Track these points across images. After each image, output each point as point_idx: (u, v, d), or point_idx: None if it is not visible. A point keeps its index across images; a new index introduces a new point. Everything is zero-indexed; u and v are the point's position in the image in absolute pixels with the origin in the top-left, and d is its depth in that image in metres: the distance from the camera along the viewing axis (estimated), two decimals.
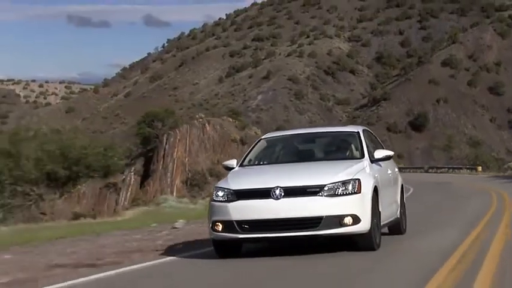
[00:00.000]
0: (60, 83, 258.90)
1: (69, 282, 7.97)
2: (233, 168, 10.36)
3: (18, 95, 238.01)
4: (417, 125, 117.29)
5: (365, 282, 7.13)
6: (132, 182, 28.75)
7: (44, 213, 18.19)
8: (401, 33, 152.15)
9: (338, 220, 8.99)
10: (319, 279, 7.45)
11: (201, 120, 33.80)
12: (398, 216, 11.40)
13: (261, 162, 10.65)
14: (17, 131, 21.06)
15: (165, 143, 31.84)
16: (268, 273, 8.08)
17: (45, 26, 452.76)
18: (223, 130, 34.75)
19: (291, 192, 9.07)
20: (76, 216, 19.46)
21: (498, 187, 28.20)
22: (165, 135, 32.40)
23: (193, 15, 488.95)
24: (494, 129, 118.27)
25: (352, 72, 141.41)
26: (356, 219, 9.03)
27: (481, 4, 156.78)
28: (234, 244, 9.58)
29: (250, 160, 10.66)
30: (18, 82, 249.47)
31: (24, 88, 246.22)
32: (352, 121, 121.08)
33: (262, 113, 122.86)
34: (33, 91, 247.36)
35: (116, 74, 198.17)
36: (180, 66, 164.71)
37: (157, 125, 36.52)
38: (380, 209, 9.79)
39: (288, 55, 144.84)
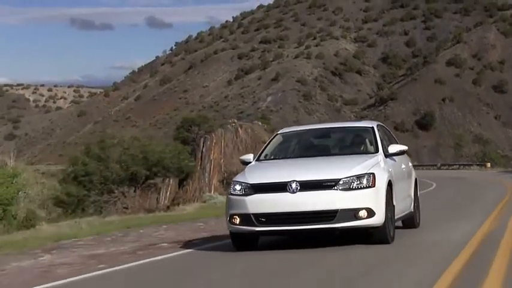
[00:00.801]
0: (68, 87, 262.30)
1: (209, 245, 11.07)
2: (250, 162, 10.64)
3: (28, 100, 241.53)
4: (424, 124, 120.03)
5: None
6: (171, 182, 31.63)
7: (126, 208, 21.26)
8: (406, 33, 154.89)
9: (353, 213, 9.25)
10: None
11: (234, 124, 36.60)
12: (412, 210, 11.63)
13: (277, 157, 10.91)
14: (104, 139, 24.24)
15: (202, 146, 34.70)
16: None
17: (47, 29, 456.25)
18: (254, 133, 37.46)
19: (307, 186, 9.34)
20: (149, 210, 22.48)
21: (508, 180, 31.36)
22: (202, 139, 35.26)
23: (196, 17, 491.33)
24: (499, 126, 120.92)
25: (359, 72, 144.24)
26: (371, 213, 9.28)
27: (484, 4, 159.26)
28: (251, 237, 9.84)
29: (266, 155, 10.93)
30: (28, 87, 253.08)
31: (33, 93, 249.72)
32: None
33: (273, 114, 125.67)
34: (42, 95, 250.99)
35: (125, 77, 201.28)
36: (189, 69, 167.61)
37: (194, 130, 39.49)
38: (394, 203, 10.01)
39: (296, 57, 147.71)
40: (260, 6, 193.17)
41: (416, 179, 12.26)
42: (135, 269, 8.95)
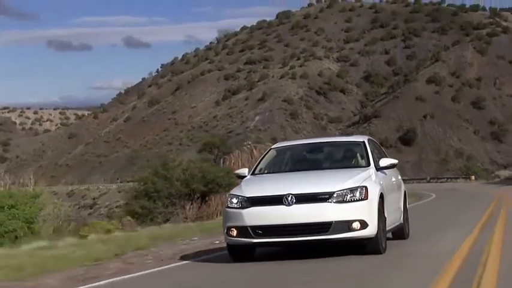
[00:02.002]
0: (54, 109, 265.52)
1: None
2: (245, 176, 11.06)
3: (15, 123, 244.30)
4: (407, 139, 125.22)
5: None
6: (195, 198, 35.89)
7: (186, 218, 25.67)
8: (387, 52, 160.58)
9: (347, 225, 9.59)
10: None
11: (249, 146, 40.95)
12: (402, 221, 11.96)
13: (272, 171, 11.33)
14: (167, 162, 28.59)
15: (222, 165, 39.21)
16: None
17: (25, 51, 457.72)
18: None
19: (302, 199, 9.67)
20: (196, 219, 26.84)
21: (492, 190, 36.29)
22: (222, 159, 39.39)
23: (174, 36, 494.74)
24: (479, 141, 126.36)
25: (343, 91, 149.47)
26: (364, 224, 9.63)
27: (460, 23, 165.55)
28: (248, 248, 10.19)
29: (261, 169, 11.34)
30: (14, 110, 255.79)
31: (19, 115, 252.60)
32: None
33: (261, 133, 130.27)
34: (28, 118, 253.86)
35: (112, 99, 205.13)
36: (176, 90, 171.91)
37: (214, 151, 43.72)
38: (386, 215, 10.37)
39: (281, 77, 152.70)
40: (243, 28, 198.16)
41: (405, 192, 12.62)
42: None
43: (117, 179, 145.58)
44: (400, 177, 12.47)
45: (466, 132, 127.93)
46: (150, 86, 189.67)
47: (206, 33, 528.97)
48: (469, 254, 9.71)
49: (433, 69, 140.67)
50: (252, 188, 10.25)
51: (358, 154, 11.29)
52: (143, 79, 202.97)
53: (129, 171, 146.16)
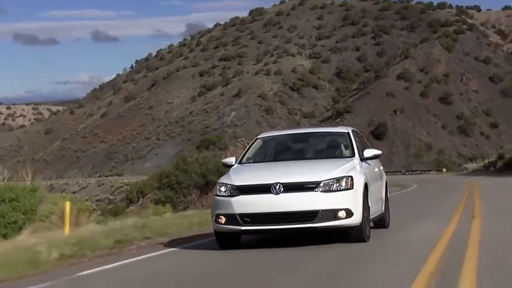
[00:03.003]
0: (27, 104, 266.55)
1: None
2: (232, 165, 11.16)
3: None
4: (378, 134, 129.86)
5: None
6: (210, 188, 39.46)
7: (202, 206, 29.58)
8: (357, 49, 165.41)
9: (333, 214, 9.80)
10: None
11: (242, 142, 44.74)
12: (383, 211, 12.24)
13: (258, 160, 11.41)
14: (185, 157, 32.39)
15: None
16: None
17: None
18: None
19: (290, 188, 9.82)
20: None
21: (464, 179, 40.81)
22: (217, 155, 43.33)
23: (142, 30, 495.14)
24: (446, 135, 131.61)
25: (315, 87, 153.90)
26: (349, 213, 9.84)
27: (428, 20, 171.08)
28: (235, 236, 10.34)
29: (248, 158, 11.44)
30: None
31: None
32: None
33: (238, 128, 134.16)
34: (1, 113, 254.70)
35: (87, 94, 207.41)
36: (152, 86, 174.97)
37: (211, 147, 47.50)
38: (369, 204, 10.59)
39: (256, 73, 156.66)
40: (217, 25, 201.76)
41: (386, 182, 13.04)
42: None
43: (96, 173, 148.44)
44: (382, 167, 12.92)
45: (434, 127, 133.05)
46: (125, 82, 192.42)
47: (175, 27, 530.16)
48: (464, 210, 13.98)
49: (402, 65, 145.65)
50: (241, 176, 10.42)
51: (343, 144, 11.56)
52: (118, 75, 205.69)
53: (107, 166, 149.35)
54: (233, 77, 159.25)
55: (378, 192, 11.67)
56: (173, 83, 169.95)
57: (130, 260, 9.79)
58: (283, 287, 7.13)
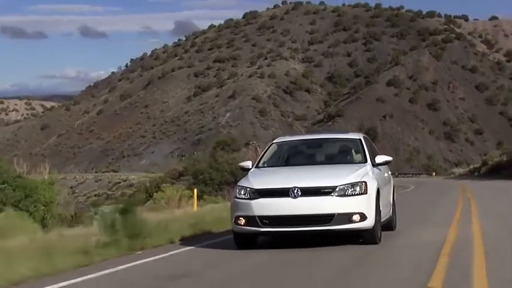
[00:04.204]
0: (20, 99, 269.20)
1: None
2: (249, 168, 11.58)
3: None
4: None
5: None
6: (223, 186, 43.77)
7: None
8: (349, 54, 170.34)
9: (348, 217, 10.22)
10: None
11: (253, 144, 49.06)
12: (391, 214, 12.61)
13: (274, 164, 11.86)
14: (217, 158, 37.00)
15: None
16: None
17: None
18: None
19: (307, 192, 10.25)
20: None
21: (454, 182, 45.54)
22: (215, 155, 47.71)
23: (130, 26, 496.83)
24: (433, 140, 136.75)
25: (308, 91, 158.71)
26: (363, 217, 10.27)
27: (418, 28, 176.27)
28: (252, 236, 10.75)
29: (264, 162, 11.86)
30: None
31: None
32: None
33: (232, 129, 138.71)
34: None
35: (82, 91, 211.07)
36: (147, 85, 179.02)
37: (226, 149, 52.00)
38: (380, 208, 10.96)
39: (250, 76, 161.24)
40: (211, 26, 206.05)
41: (393, 186, 13.45)
42: None
43: (92, 169, 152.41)
44: (390, 172, 13.35)
45: (422, 132, 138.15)
46: (120, 80, 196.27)
47: (163, 24, 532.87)
48: (463, 202, 18.35)
49: (392, 72, 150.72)
50: (260, 180, 10.81)
51: (355, 150, 12.02)
52: (113, 73, 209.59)
53: (103, 162, 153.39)
54: (228, 79, 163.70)
55: (387, 197, 12.16)
56: (168, 82, 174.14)
57: None
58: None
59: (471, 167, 73.16)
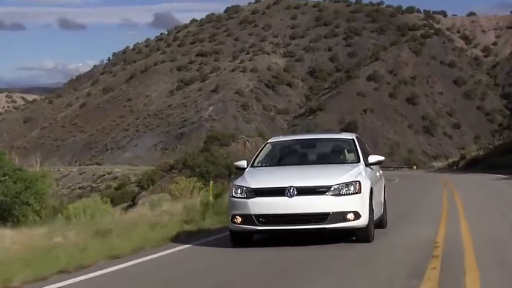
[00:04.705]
0: (0, 92, 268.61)
1: None
2: (244, 168, 11.86)
3: None
4: (348, 131, 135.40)
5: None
6: (232, 177, 45.79)
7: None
8: (330, 49, 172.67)
9: (342, 216, 10.52)
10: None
11: (242, 139, 51.25)
12: (382, 212, 12.78)
13: (269, 164, 12.11)
14: (213, 152, 39.06)
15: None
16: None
17: None
18: (257, 145, 52.45)
19: (303, 191, 10.54)
20: None
21: (435, 175, 47.99)
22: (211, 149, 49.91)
23: (109, 18, 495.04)
24: (412, 134, 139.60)
25: (289, 85, 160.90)
26: (357, 215, 10.59)
27: (397, 23, 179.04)
28: (248, 235, 11.05)
29: (259, 162, 12.10)
30: None
31: None
32: (293, 129, 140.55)
33: (215, 122, 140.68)
34: None
35: (64, 84, 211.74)
36: (130, 79, 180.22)
37: (216, 143, 54.12)
38: (373, 207, 11.25)
39: (233, 70, 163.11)
40: (193, 20, 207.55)
41: (384, 185, 13.59)
42: None
43: (76, 162, 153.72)
44: (381, 171, 13.46)
45: (401, 126, 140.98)
46: (102, 73, 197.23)
47: (143, 17, 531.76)
48: (447, 192, 20.80)
49: (372, 67, 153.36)
50: (256, 179, 11.07)
51: (348, 150, 12.30)
52: (95, 66, 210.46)
53: (87, 155, 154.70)
54: (210, 73, 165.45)
55: (379, 196, 12.37)
56: (151, 76, 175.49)
57: None
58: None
59: (450, 160, 75.84)
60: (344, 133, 13.74)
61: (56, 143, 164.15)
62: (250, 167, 11.90)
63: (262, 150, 12.49)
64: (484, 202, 19.65)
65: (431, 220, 14.19)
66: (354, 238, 11.05)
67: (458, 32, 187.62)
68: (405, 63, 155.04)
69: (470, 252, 9.53)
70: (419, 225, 13.42)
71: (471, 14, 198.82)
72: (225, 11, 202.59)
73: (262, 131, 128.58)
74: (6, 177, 46.23)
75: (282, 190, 10.56)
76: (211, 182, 19.72)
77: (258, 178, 11.17)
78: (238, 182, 11.22)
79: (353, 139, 12.44)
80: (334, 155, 12.46)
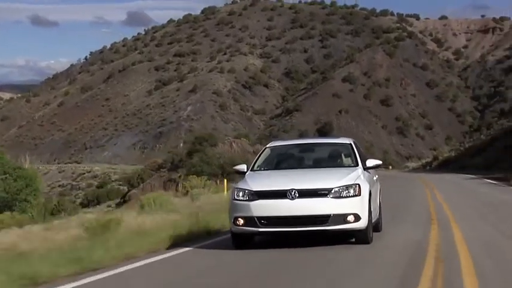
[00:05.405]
0: None
1: None
2: (244, 172, 12.11)
3: None
4: (324, 132, 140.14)
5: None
6: (225, 176, 48.28)
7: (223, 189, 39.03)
8: (305, 51, 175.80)
9: (343, 218, 10.78)
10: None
11: (228, 140, 53.77)
12: (378, 216, 12.97)
13: (269, 168, 12.40)
14: (207, 152, 41.67)
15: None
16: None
17: None
18: (242, 146, 55.01)
19: (304, 194, 10.80)
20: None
21: (411, 175, 51.12)
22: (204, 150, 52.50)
23: (82, 16, 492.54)
24: (386, 135, 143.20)
25: (266, 86, 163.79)
26: (357, 217, 10.86)
27: (372, 26, 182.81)
28: (249, 237, 11.32)
29: (258, 166, 12.40)
30: None
31: None
32: (270, 129, 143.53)
33: (194, 122, 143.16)
34: None
35: (41, 83, 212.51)
36: (108, 78, 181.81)
37: (204, 144, 56.50)
38: (372, 210, 11.53)
39: (210, 71, 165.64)
40: (170, 21, 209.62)
41: (380, 189, 13.69)
42: None
43: (54, 160, 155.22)
44: (377, 175, 13.69)
45: (375, 127, 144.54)
46: (80, 72, 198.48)
47: (116, 14, 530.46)
48: (429, 189, 23.75)
49: (347, 69, 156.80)
50: (258, 182, 11.27)
51: (346, 154, 12.58)
52: (72, 65, 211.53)
53: (66, 154, 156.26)
54: (188, 73, 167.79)
55: (376, 199, 12.61)
56: (129, 76, 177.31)
57: None
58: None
59: (423, 161, 79.33)
60: (341, 138, 13.99)
61: (35, 141, 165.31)
62: (251, 170, 12.17)
63: (262, 155, 12.71)
64: (463, 200, 22.21)
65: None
66: (353, 240, 11.37)
67: (431, 35, 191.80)
68: (379, 65, 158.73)
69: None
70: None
71: (443, 17, 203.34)
72: (202, 12, 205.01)
73: (240, 131, 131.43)
74: (7, 175, 48.57)
75: (284, 193, 10.82)
76: (225, 180, 22.38)
77: (259, 181, 11.40)
78: (240, 185, 11.46)
79: (351, 143, 12.78)
80: (333, 159, 12.72)
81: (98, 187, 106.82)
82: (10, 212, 39.27)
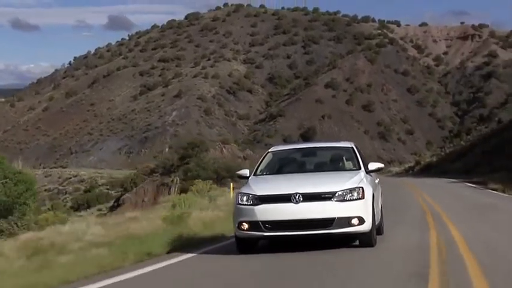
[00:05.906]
0: None
1: None
2: (247, 176, 12.17)
3: None
4: (307, 137, 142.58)
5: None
6: (177, 182, 50.19)
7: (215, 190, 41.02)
8: (288, 57, 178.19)
9: (347, 221, 10.82)
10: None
11: (219, 146, 55.71)
12: (380, 219, 12.99)
13: (271, 172, 12.48)
14: (203, 158, 43.60)
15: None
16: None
17: None
18: (232, 152, 57.00)
19: (309, 197, 10.82)
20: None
21: (395, 179, 53.34)
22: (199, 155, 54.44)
23: (64, 19, 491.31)
24: (368, 140, 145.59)
25: (250, 91, 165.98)
26: (361, 220, 10.91)
27: (353, 32, 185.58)
28: (254, 241, 11.37)
29: (261, 170, 12.48)
30: None
31: None
32: (254, 134, 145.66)
33: (179, 127, 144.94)
34: None
35: (25, 88, 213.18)
36: (93, 83, 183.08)
37: (195, 149, 58.38)
38: (375, 213, 11.59)
39: (195, 76, 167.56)
40: (154, 26, 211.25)
41: (381, 192, 13.73)
42: None
43: (40, 165, 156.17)
44: (378, 179, 13.66)
45: (357, 132, 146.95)
46: (64, 77, 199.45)
47: (97, 18, 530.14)
48: (417, 193, 25.93)
49: (330, 75, 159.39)
50: (261, 187, 11.32)
51: (347, 158, 12.66)
52: (56, 70, 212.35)
53: (51, 158, 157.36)
54: (173, 78, 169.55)
55: (378, 202, 12.67)
56: (114, 81, 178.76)
57: None
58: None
59: (406, 165, 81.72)
60: (343, 142, 14.05)
61: (20, 146, 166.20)
62: (253, 175, 12.24)
63: (264, 159, 12.79)
64: (454, 202, 23.91)
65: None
66: (357, 243, 11.49)
67: (411, 41, 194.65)
68: (361, 71, 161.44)
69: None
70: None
71: (423, 24, 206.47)
72: (186, 18, 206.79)
73: (225, 136, 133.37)
74: (8, 179, 50.40)
75: (288, 197, 10.86)
76: (231, 184, 24.37)
77: (263, 185, 11.46)
78: (244, 189, 11.51)
79: (352, 147, 12.91)
80: (335, 162, 12.88)
81: (85, 191, 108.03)
82: (10, 215, 41.09)
